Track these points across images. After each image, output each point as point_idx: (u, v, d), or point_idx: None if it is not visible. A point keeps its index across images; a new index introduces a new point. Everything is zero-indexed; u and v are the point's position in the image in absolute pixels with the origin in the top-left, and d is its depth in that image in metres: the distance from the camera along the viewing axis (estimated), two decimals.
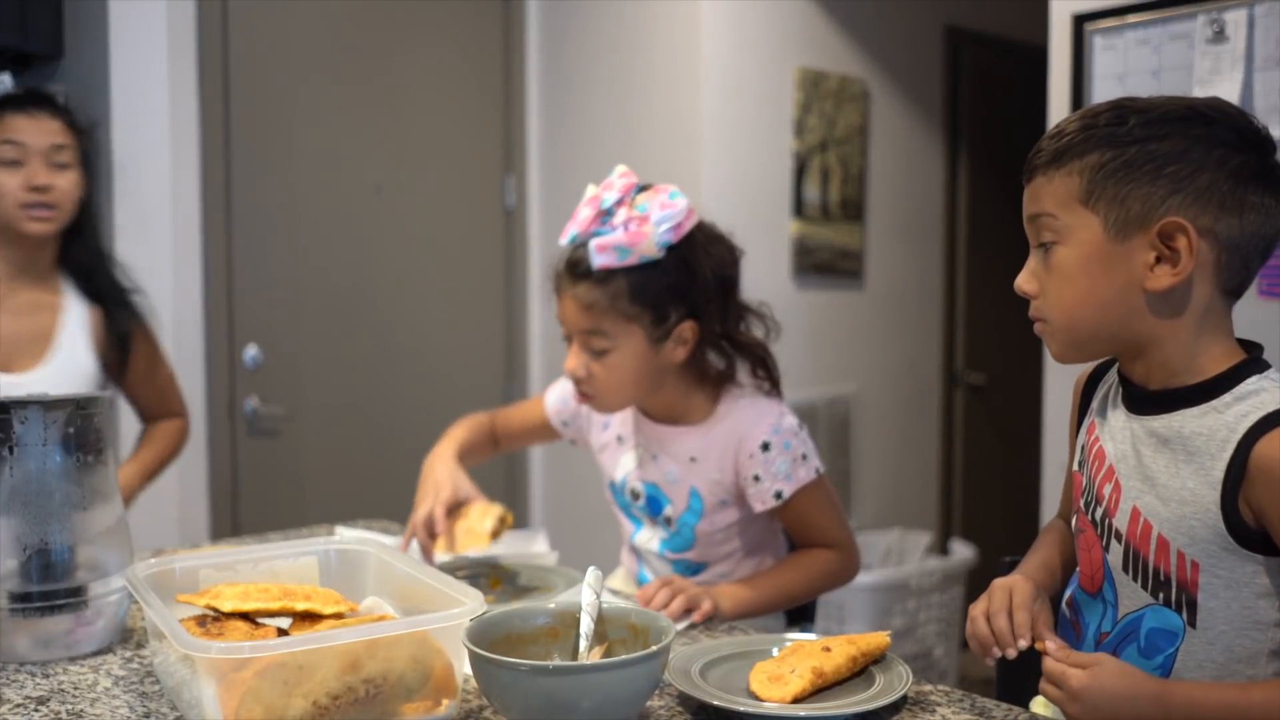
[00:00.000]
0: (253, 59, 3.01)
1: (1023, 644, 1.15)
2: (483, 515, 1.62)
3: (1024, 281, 1.20)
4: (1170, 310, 1.13)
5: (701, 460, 1.64)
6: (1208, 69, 2.14)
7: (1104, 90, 2.31)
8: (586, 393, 1.61)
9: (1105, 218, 1.12)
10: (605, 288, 1.53)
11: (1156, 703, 1.07)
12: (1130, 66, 2.27)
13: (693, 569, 1.70)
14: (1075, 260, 1.14)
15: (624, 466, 1.73)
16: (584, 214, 1.55)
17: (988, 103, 4.04)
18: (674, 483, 1.67)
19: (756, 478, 1.60)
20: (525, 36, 3.54)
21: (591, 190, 1.58)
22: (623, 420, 1.74)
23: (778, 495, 1.60)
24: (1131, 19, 2.27)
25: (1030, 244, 1.20)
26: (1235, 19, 2.11)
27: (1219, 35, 2.13)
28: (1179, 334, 1.13)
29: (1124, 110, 1.14)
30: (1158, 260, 1.11)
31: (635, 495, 1.71)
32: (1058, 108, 2.42)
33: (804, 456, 1.62)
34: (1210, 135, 1.11)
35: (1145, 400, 1.18)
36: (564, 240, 1.58)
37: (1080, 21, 2.35)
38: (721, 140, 3.19)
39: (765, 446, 1.60)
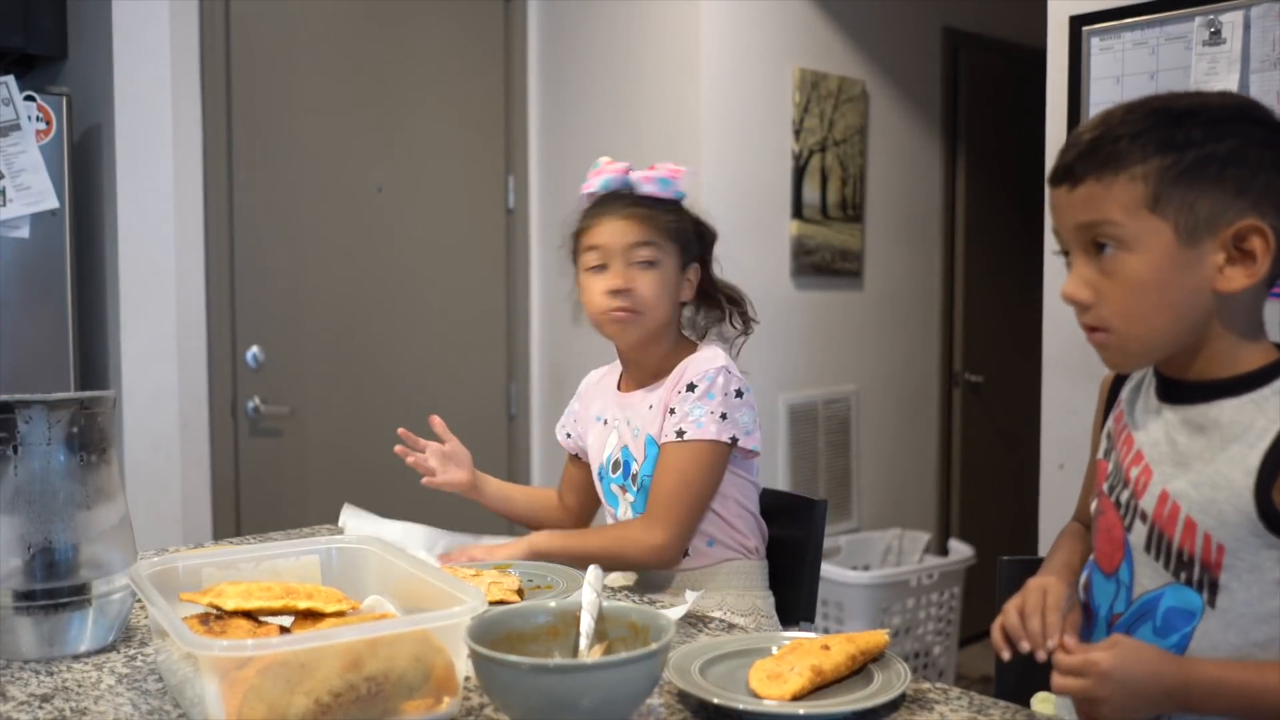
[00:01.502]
0: (255, 60, 3.02)
1: (1051, 645, 1.15)
2: (503, 576, 1.59)
3: (1077, 290, 1.15)
4: (1231, 309, 1.13)
5: (656, 405, 1.71)
6: (1204, 70, 2.15)
7: (1101, 91, 2.31)
8: (627, 307, 1.69)
9: (1175, 223, 1.10)
10: (654, 210, 1.72)
11: (1178, 679, 1.09)
12: (1127, 68, 2.28)
13: None
14: (1147, 267, 1.11)
15: (611, 443, 1.79)
16: (613, 166, 1.75)
17: (986, 104, 4.05)
18: (637, 436, 1.73)
19: (672, 410, 1.66)
20: (526, 37, 3.55)
21: (605, 159, 1.77)
22: (604, 403, 1.82)
23: (679, 434, 1.63)
24: (1128, 21, 2.28)
25: (1073, 251, 1.16)
26: (1231, 21, 2.12)
27: (1215, 37, 2.14)
28: (1232, 331, 1.14)
29: (1167, 112, 1.12)
30: (1228, 262, 1.11)
31: (616, 466, 1.77)
32: (1055, 109, 2.42)
33: (723, 416, 1.63)
34: (1256, 134, 1.11)
35: (1182, 390, 1.18)
36: (593, 188, 1.75)
37: (1077, 23, 2.36)
38: (721, 140, 3.20)
39: (691, 387, 1.65)
